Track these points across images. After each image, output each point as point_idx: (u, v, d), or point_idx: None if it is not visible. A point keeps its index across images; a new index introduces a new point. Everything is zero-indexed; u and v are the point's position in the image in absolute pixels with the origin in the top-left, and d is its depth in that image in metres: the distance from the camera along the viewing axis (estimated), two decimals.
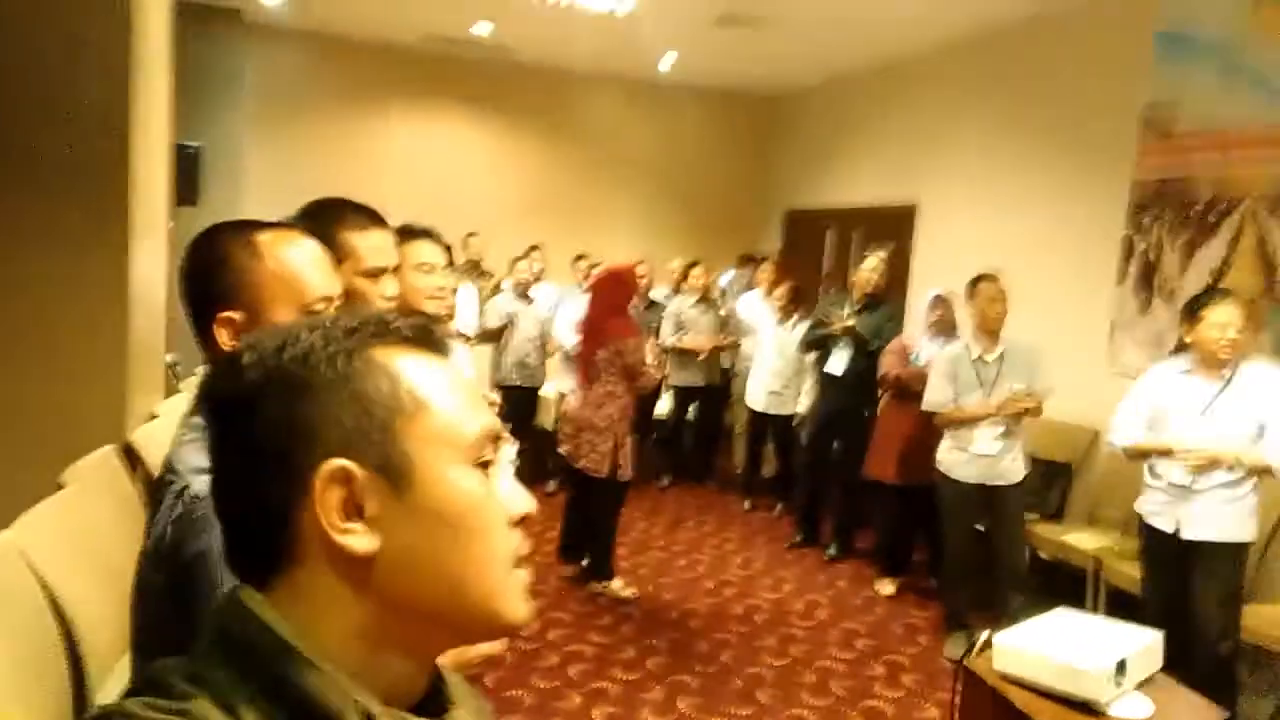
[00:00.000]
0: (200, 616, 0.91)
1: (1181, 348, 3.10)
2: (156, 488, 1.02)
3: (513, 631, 0.64)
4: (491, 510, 0.62)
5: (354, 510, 0.58)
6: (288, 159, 6.44)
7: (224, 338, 1.07)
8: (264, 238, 1.10)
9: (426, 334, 0.64)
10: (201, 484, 0.96)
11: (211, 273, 1.08)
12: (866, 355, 4.58)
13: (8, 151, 2.30)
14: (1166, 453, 2.96)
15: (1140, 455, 3.09)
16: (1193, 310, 2.98)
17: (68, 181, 2.36)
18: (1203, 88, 4.07)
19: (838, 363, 4.67)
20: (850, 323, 4.59)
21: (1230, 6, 3.95)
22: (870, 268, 4.70)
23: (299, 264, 1.11)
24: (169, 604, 0.96)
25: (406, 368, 0.61)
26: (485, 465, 0.62)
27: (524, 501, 0.65)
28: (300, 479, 0.57)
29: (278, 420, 0.58)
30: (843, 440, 4.81)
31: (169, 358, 4.34)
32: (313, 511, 0.57)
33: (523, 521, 0.64)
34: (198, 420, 1.06)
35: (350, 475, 0.57)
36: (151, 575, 1.00)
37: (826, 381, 4.78)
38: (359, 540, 0.57)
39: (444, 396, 0.61)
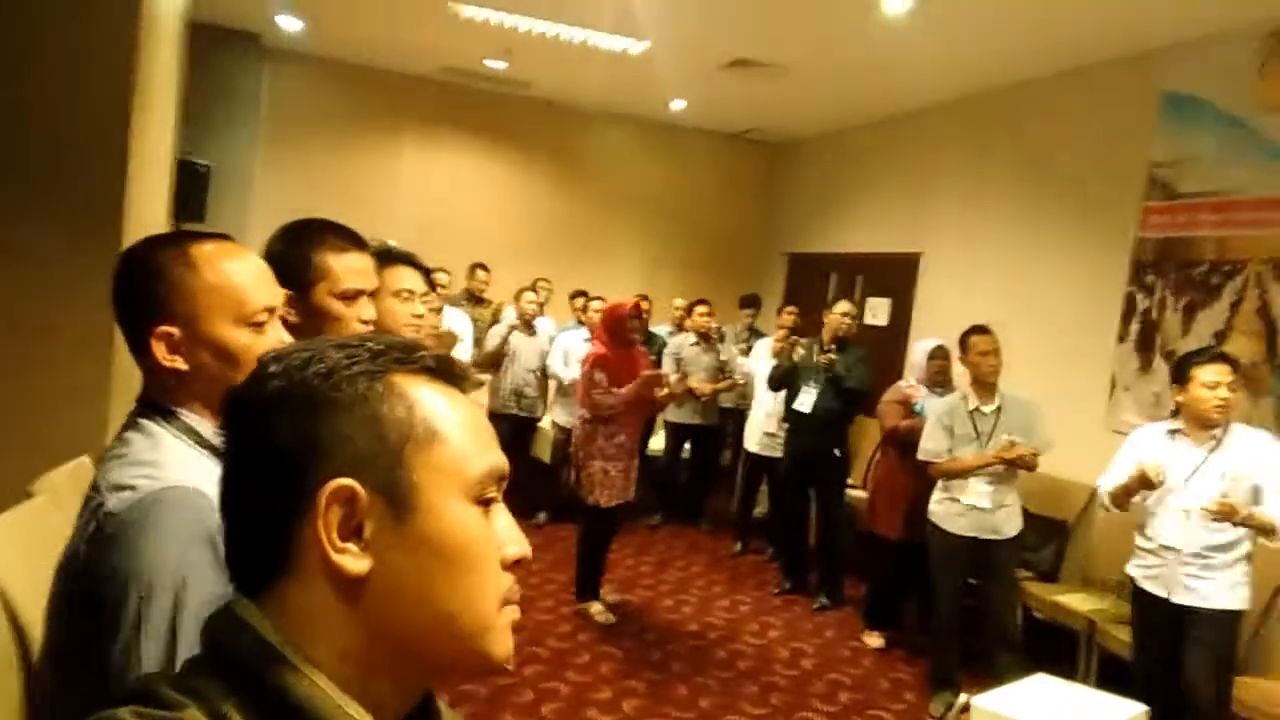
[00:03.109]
0: (106, 634, 0.90)
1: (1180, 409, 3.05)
2: (84, 504, 1.00)
3: (494, 669, 0.64)
4: (486, 549, 0.62)
5: (353, 531, 0.58)
6: (298, 182, 6.50)
7: (161, 352, 1.05)
8: (199, 250, 1.07)
9: (448, 367, 0.65)
10: (117, 501, 0.95)
11: (145, 286, 1.06)
12: (838, 395, 4.59)
13: (2, 158, 2.32)
14: (1149, 485, 2.84)
15: (1126, 498, 2.99)
16: (1182, 370, 2.95)
17: (62, 190, 2.37)
18: (1207, 150, 4.08)
19: (806, 400, 4.66)
20: (832, 356, 4.59)
21: (1235, 73, 3.97)
22: (843, 311, 4.73)
23: (237, 275, 1.08)
24: (78, 619, 0.94)
25: (424, 397, 0.62)
26: (487, 503, 0.63)
27: (519, 544, 0.64)
28: (305, 493, 0.58)
29: (292, 432, 0.59)
30: (816, 484, 4.81)
31: None
32: (313, 526, 0.58)
33: (517, 564, 0.64)
34: (128, 435, 1.04)
35: (354, 495, 0.58)
36: (62, 589, 0.99)
37: (795, 420, 4.78)
38: (353, 561, 0.58)
39: (457, 430, 0.62)
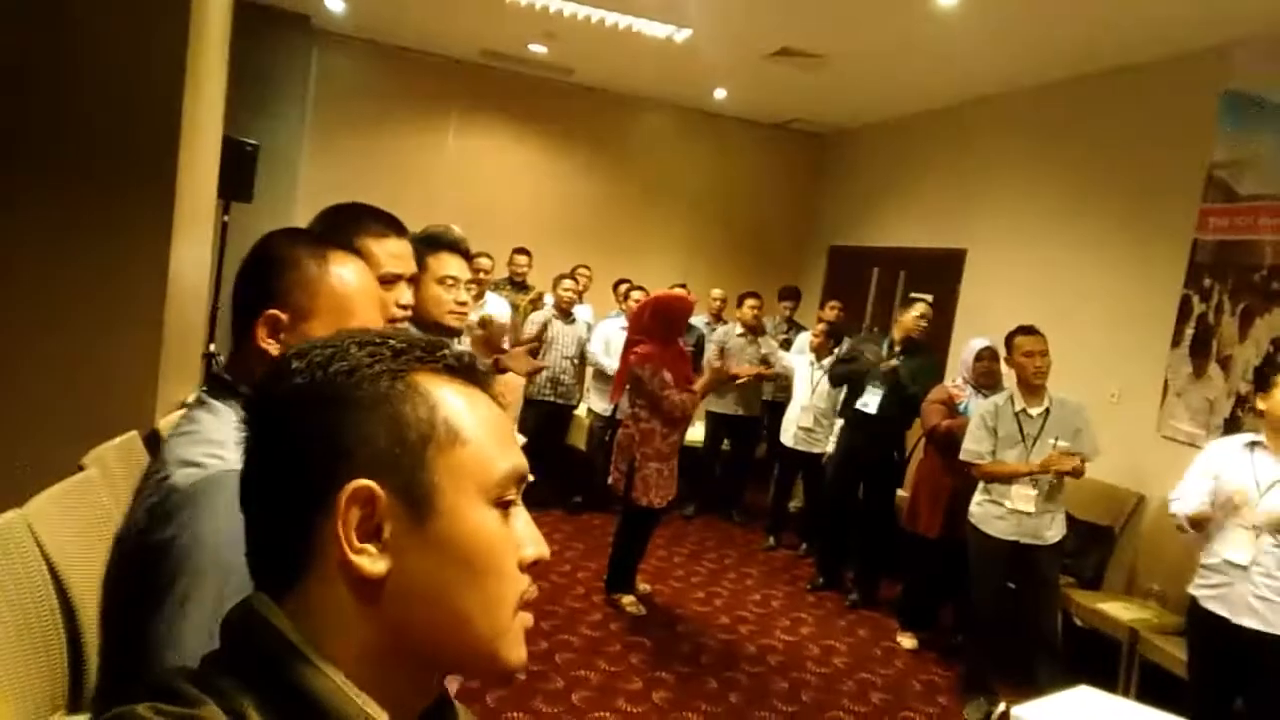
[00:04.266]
0: (153, 606, 0.90)
1: (1235, 419, 2.95)
2: (146, 476, 1.01)
3: (507, 675, 0.63)
4: (504, 553, 0.62)
5: (371, 532, 0.58)
6: (343, 162, 6.56)
7: (263, 334, 1.08)
8: (336, 256, 1.14)
9: (470, 367, 0.64)
10: (183, 476, 0.96)
11: (277, 269, 1.10)
12: (900, 400, 4.49)
13: (59, 137, 2.35)
14: (1236, 512, 2.76)
15: (1207, 521, 2.89)
16: (1265, 378, 2.86)
17: (116, 170, 2.41)
18: (1268, 151, 3.94)
19: (872, 400, 4.57)
20: (895, 363, 4.49)
21: None
22: (918, 313, 4.60)
23: (356, 290, 1.13)
24: (131, 588, 0.95)
25: (446, 397, 0.61)
26: (506, 505, 0.62)
27: (537, 546, 0.64)
28: (325, 493, 0.57)
29: (314, 430, 0.58)
30: (868, 484, 4.73)
31: (211, 348, 4.40)
32: (332, 526, 0.57)
33: (534, 566, 0.64)
34: (197, 413, 1.05)
35: (374, 497, 0.57)
36: (119, 559, 1.00)
37: (856, 419, 4.69)
38: (370, 562, 0.58)
39: (478, 431, 0.61)
